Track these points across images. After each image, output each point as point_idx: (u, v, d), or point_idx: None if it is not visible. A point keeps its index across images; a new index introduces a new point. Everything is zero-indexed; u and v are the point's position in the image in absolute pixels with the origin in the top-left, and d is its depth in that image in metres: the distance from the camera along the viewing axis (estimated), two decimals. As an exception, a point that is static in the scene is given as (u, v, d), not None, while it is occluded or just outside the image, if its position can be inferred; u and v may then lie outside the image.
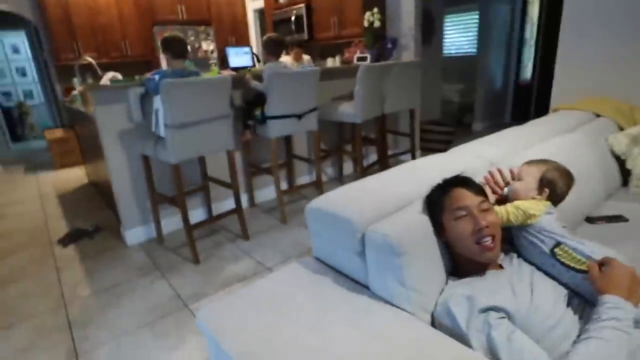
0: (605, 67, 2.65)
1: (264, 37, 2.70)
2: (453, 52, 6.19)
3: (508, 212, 1.07)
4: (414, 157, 3.71)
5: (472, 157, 1.49)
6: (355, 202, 1.11)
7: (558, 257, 0.99)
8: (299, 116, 2.67)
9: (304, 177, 3.50)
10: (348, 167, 3.85)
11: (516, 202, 1.10)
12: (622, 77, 2.60)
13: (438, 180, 1.12)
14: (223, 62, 3.05)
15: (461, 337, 0.87)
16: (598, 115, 2.34)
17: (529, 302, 0.92)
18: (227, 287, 2.08)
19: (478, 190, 1.05)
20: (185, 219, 2.28)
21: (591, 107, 2.40)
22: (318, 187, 3.03)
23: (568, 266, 0.97)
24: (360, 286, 1.08)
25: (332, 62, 4.51)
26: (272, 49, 2.65)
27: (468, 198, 1.01)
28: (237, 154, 3.00)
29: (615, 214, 1.65)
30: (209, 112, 2.18)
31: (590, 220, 1.65)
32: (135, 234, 2.65)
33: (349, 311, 0.97)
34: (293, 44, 4.14)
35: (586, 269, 0.94)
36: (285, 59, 4.19)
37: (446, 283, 1.04)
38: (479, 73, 5.28)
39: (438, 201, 1.05)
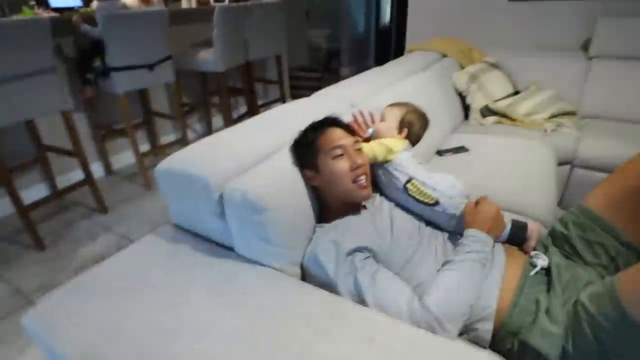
0: (451, 10, 2.87)
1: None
2: (317, -5, 6.09)
3: (374, 148, 1.09)
4: (285, 106, 3.64)
5: (334, 101, 1.46)
6: (210, 158, 0.98)
7: (410, 192, 1.05)
8: (150, 66, 2.32)
9: (168, 136, 3.16)
10: (218, 121, 3.61)
11: (380, 139, 1.13)
12: (463, 20, 2.86)
13: (301, 126, 1.06)
14: (40, 1, 2.43)
15: (330, 285, 0.86)
16: (444, 56, 2.56)
17: (389, 237, 0.96)
18: (84, 269, 1.80)
19: (350, 130, 1.06)
20: (15, 199, 1.86)
21: (438, 47, 2.60)
22: (185, 145, 2.76)
23: (418, 200, 1.04)
24: (225, 249, 0.99)
25: (187, 4, 4.02)
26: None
27: (344, 137, 1.00)
28: (80, 116, 2.53)
29: (459, 146, 1.84)
30: (20, 67, 1.72)
31: (439, 153, 1.82)
32: (-53, 226, 2.08)
33: (210, 279, 0.88)
34: (137, -19, 3.54)
35: (432, 202, 1.01)
36: (131, 0, 3.59)
37: (314, 231, 1.02)
38: (342, 18, 5.33)
39: (312, 142, 1.00)
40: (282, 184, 0.95)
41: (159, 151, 2.83)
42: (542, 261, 0.92)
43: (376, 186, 1.16)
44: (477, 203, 1.01)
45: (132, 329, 0.76)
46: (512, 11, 2.71)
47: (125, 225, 2.15)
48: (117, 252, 1.00)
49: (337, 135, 1.01)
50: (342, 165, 0.97)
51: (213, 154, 0.99)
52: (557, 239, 1.01)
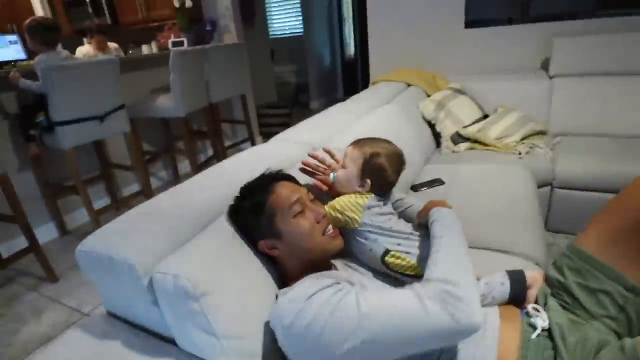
0: (410, 40, 2.86)
1: (27, 22, 2.06)
2: (280, 33, 6.14)
3: (330, 215, 0.92)
4: (253, 145, 3.52)
5: (290, 145, 1.34)
6: (137, 234, 0.82)
7: (392, 267, 0.89)
8: (101, 118, 2.17)
9: (130, 187, 2.97)
10: (185, 166, 3.44)
11: (332, 202, 0.95)
12: (423, 49, 2.84)
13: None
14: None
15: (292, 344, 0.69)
16: (409, 85, 2.50)
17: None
18: (25, 356, 1.56)
19: (297, 181, 0.93)
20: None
21: (402, 77, 2.55)
22: (148, 196, 2.58)
23: (403, 274, 0.88)
24: (164, 343, 0.82)
25: (148, 50, 3.94)
26: (43, 36, 2.05)
27: (296, 190, 0.87)
28: (27, 175, 2.33)
29: (434, 178, 1.73)
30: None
31: (414, 188, 1.71)
32: None
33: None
34: (93, 30, 3.45)
35: (421, 273, 0.85)
36: (86, 48, 3.48)
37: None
38: (307, 52, 5.34)
39: (262, 207, 0.84)
40: (224, 260, 0.80)
41: (121, 204, 2.63)
42: (541, 321, 0.77)
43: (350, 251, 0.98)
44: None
45: None
46: (470, 37, 2.71)
47: (77, 295, 1.92)
48: (66, 328, 0.81)
49: (291, 189, 0.87)
50: (306, 221, 0.83)
51: (142, 229, 0.83)
52: (554, 288, 0.87)
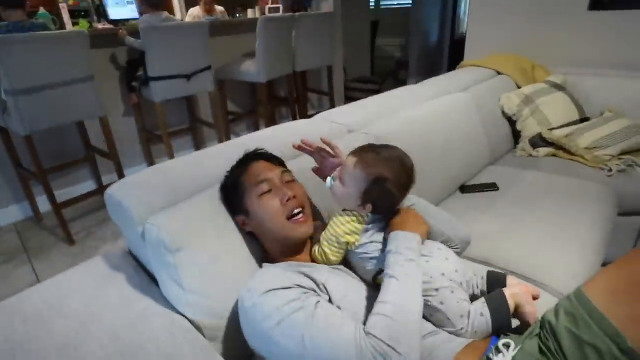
0: (516, 23, 2.52)
1: (138, -17, 2.33)
2: (389, 4, 5.90)
3: (322, 253, 0.85)
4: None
5: (325, 124, 1.33)
6: (146, 187, 0.92)
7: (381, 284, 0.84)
8: (188, 76, 2.39)
9: (213, 142, 3.25)
10: (267, 130, 3.63)
11: (322, 240, 0.85)
12: (531, 33, 2.49)
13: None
14: (100, 13, 2.65)
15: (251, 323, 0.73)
16: (499, 73, 2.24)
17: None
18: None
19: (279, 161, 0.94)
20: (50, 195, 2.02)
21: (494, 63, 2.29)
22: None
23: None
24: (154, 286, 0.92)
25: (252, 14, 4.14)
26: (150, -3, 2.30)
27: (268, 170, 0.88)
28: (129, 120, 2.70)
29: (488, 182, 1.58)
30: (60, 75, 1.86)
31: (463, 189, 1.57)
32: (5, 213, 2.35)
33: (120, 318, 0.81)
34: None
35: None
36: (196, 10, 3.79)
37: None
38: (413, 27, 5.07)
39: (237, 182, 0.88)
40: (208, 223, 0.86)
41: (203, 157, 2.91)
42: (501, 357, 0.69)
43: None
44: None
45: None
46: (593, 20, 2.27)
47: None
48: (98, 254, 1.01)
49: (261, 167, 0.88)
50: (271, 201, 0.84)
51: (150, 183, 0.93)
52: (543, 329, 0.76)
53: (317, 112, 3.61)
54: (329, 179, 0.88)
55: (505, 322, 0.78)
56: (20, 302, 0.89)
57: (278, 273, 0.78)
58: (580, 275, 1.12)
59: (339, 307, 0.74)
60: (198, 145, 3.12)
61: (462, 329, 0.78)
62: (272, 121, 3.10)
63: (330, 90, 3.45)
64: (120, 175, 2.30)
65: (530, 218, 1.33)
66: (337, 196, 0.86)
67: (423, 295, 0.73)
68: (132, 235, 0.93)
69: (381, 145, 0.87)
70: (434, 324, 0.80)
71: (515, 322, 0.83)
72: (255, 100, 3.39)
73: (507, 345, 0.72)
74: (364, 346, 0.62)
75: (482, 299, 0.80)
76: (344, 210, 0.86)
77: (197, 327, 0.81)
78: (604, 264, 1.26)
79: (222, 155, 1.08)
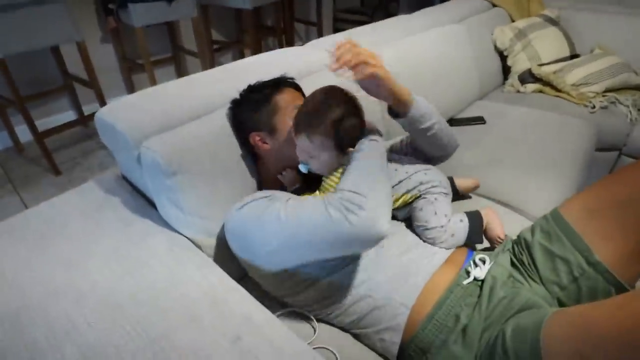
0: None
1: None
2: None
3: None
4: (321, 51, 3.42)
5: (318, 52, 1.29)
6: (140, 111, 0.91)
7: None
8: (168, 0, 2.24)
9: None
10: (253, 62, 3.50)
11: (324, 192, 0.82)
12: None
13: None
14: None
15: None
16: (495, 5, 2.17)
17: None
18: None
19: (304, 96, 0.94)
20: (31, 124, 1.97)
21: (490, -6, 2.21)
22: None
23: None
24: (151, 208, 0.95)
25: None
26: None
27: (301, 100, 0.89)
28: (107, 47, 2.56)
29: (476, 116, 1.60)
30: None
31: (451, 122, 1.60)
32: (-17, 143, 2.29)
33: (119, 240, 0.84)
34: None
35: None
36: None
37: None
38: (407, -48, 4.74)
39: (269, 99, 0.88)
40: (205, 147, 0.87)
41: (187, 88, 2.82)
42: (478, 270, 0.77)
43: None
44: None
45: (23, 279, 0.75)
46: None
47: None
48: (91, 179, 1.02)
49: (296, 96, 0.91)
50: None
51: (146, 107, 0.91)
52: (519, 245, 0.84)
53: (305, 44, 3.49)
54: (301, 166, 0.84)
55: (478, 233, 0.87)
56: (18, 223, 0.91)
57: (253, 195, 0.80)
58: (557, 203, 1.20)
59: None
60: (181, 75, 2.99)
61: (442, 227, 0.85)
62: (257, 51, 2.98)
63: (318, 21, 3.30)
64: (103, 104, 2.23)
65: (515, 151, 1.38)
66: (322, 170, 0.82)
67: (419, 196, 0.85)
68: (127, 159, 0.94)
69: (304, 104, 0.82)
70: (414, 233, 0.88)
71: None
72: (241, 29, 3.22)
73: (482, 260, 0.80)
74: (332, 199, 0.66)
75: (462, 212, 0.88)
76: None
77: (197, 246, 0.85)
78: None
79: (214, 80, 1.06)
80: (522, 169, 1.29)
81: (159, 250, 0.82)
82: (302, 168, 0.83)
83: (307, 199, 0.70)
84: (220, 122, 0.92)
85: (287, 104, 0.87)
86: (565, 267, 0.75)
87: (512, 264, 0.82)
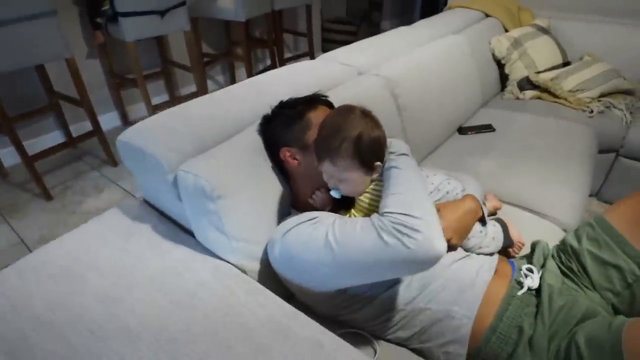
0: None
1: None
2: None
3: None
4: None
5: (335, 66, 1.29)
6: (168, 132, 0.87)
7: None
8: (161, 13, 2.18)
9: (189, 87, 3.07)
10: (243, 73, 3.46)
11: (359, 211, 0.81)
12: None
13: (286, 97, 0.92)
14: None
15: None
16: (488, 15, 2.23)
17: None
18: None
19: None
20: (19, 147, 1.86)
21: (482, 5, 2.27)
22: (202, 99, 2.67)
23: None
24: (186, 234, 0.91)
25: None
26: None
27: None
28: (94, 63, 2.47)
29: (485, 124, 1.63)
30: (18, 9, 1.64)
31: (461, 130, 1.62)
32: (-35, 167, 2.15)
33: (159, 270, 0.80)
34: None
35: None
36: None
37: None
38: (386, -36, 4.84)
39: (302, 115, 0.85)
40: (244, 168, 0.84)
41: (177, 103, 2.74)
42: (530, 280, 0.76)
43: None
44: None
45: (60, 320, 0.70)
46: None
47: (132, 181, 2.13)
48: (115, 206, 0.96)
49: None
50: None
51: (173, 128, 0.88)
52: (565, 253, 0.85)
53: (295, 55, 3.49)
54: (333, 192, 0.80)
55: (507, 236, 0.90)
56: (41, 258, 0.85)
57: (294, 217, 0.78)
58: (576, 205, 1.23)
59: None
60: (172, 90, 2.94)
61: (481, 231, 0.86)
62: (249, 63, 2.95)
63: (309, 31, 3.30)
64: (95, 124, 2.14)
65: (528, 157, 1.41)
66: (354, 191, 0.80)
67: None
68: (157, 184, 0.89)
69: (320, 129, 0.79)
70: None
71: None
72: (230, 41, 3.19)
73: (530, 270, 0.80)
74: (383, 224, 0.64)
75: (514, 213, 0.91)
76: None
77: (242, 271, 0.82)
78: (590, 195, 1.37)
79: (237, 97, 1.03)
80: (537, 174, 1.32)
81: (204, 278, 0.78)
82: (335, 194, 0.80)
83: (354, 222, 0.69)
84: (254, 140, 0.90)
85: (319, 121, 0.84)
86: (618, 274, 0.76)
87: (562, 271, 0.82)
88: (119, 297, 0.74)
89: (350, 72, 1.29)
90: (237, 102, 0.99)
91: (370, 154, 0.75)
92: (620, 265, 0.76)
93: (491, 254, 0.87)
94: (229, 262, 0.82)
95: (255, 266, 0.84)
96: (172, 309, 0.71)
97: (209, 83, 3.16)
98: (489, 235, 0.88)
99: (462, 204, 0.85)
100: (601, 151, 1.72)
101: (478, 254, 0.86)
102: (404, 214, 0.64)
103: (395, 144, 0.80)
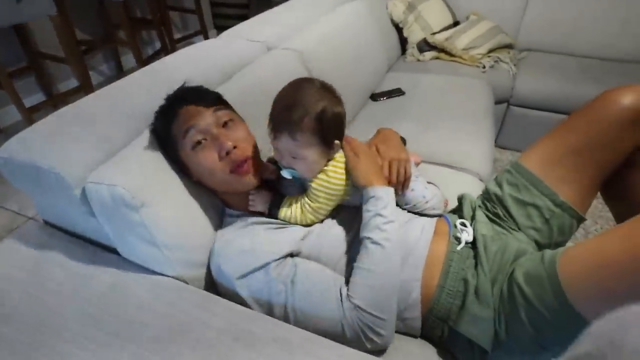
0: None
1: None
2: None
3: (298, 215, 0.78)
4: (206, 39, 3.20)
5: (245, 44, 1.20)
6: (64, 139, 0.73)
7: None
8: (17, -4, 1.82)
9: (68, 82, 2.67)
10: (129, 60, 3.11)
11: (313, 194, 0.77)
12: None
13: (195, 82, 0.82)
14: None
15: (236, 294, 0.72)
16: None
17: (319, 227, 0.80)
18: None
19: (211, 98, 0.77)
20: None
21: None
22: (89, 92, 2.33)
23: None
24: (106, 252, 0.79)
25: None
26: None
27: (198, 115, 0.72)
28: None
29: (394, 88, 1.68)
30: None
31: (373, 97, 1.65)
32: None
33: (88, 298, 0.69)
34: None
35: None
36: None
37: (221, 223, 0.83)
38: None
39: (167, 132, 0.74)
40: (161, 168, 0.75)
41: (58, 101, 2.37)
42: (466, 235, 0.81)
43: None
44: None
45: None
46: None
47: (18, 199, 1.81)
48: (9, 233, 0.77)
49: (189, 114, 0.72)
50: (207, 154, 0.72)
51: (69, 134, 0.74)
52: (490, 201, 0.92)
53: (186, 35, 3.22)
54: (284, 172, 0.75)
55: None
56: None
57: (246, 247, 0.73)
58: (487, 154, 1.35)
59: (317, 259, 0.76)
60: (47, 87, 2.52)
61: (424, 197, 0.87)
62: (137, 48, 2.65)
63: (197, 7, 3.05)
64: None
65: (438, 116, 1.49)
66: (309, 171, 0.75)
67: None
68: (59, 202, 0.76)
69: (278, 100, 0.73)
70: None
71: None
72: (109, 24, 2.81)
73: (463, 224, 0.85)
74: (350, 320, 0.67)
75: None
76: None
77: (183, 282, 0.74)
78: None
79: (139, 87, 0.91)
80: (449, 131, 1.41)
81: (143, 299, 0.69)
82: (286, 174, 0.75)
83: (318, 296, 0.69)
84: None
85: (180, 132, 0.72)
86: (537, 211, 0.85)
87: (490, 219, 0.89)
88: (45, 346, 0.62)
89: (259, 48, 1.21)
90: (142, 93, 0.87)
91: (332, 130, 0.72)
92: (537, 203, 0.85)
93: (439, 215, 0.89)
94: (166, 275, 0.73)
95: (198, 274, 0.77)
96: (113, 343, 0.62)
97: (92, 74, 2.78)
98: (438, 194, 0.89)
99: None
100: (496, 102, 1.90)
101: (422, 213, 0.88)
102: (373, 315, 0.67)
103: (383, 200, 0.73)
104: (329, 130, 0.71)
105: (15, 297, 0.70)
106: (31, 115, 2.09)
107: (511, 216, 0.87)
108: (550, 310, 0.64)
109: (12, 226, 1.66)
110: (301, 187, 0.82)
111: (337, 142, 0.74)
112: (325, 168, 0.76)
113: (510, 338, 0.70)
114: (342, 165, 0.77)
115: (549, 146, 0.86)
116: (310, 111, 0.69)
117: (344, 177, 0.77)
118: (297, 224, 0.78)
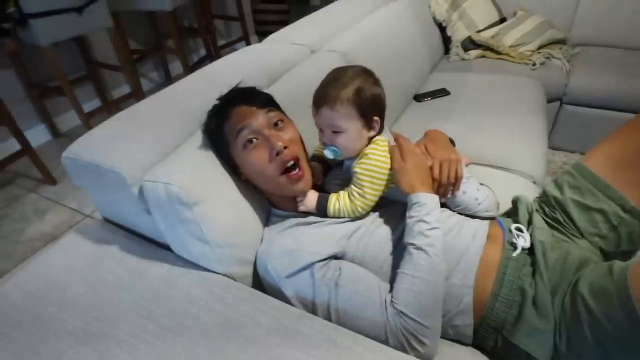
0: None
1: None
2: None
3: (347, 205, 0.78)
4: (248, 45, 3.29)
5: (287, 47, 1.22)
6: (123, 141, 0.77)
7: None
8: (79, 9, 1.96)
9: (121, 89, 2.83)
10: (177, 67, 3.25)
11: (360, 181, 0.77)
12: None
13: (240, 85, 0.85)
14: None
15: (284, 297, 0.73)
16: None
17: (365, 226, 0.79)
18: (32, 253, 1.63)
19: (263, 99, 0.78)
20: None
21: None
22: (140, 98, 2.47)
23: None
24: (160, 250, 0.82)
25: None
26: None
27: (250, 116, 0.73)
28: (8, 74, 2.19)
29: (439, 88, 1.64)
30: None
31: (417, 98, 1.62)
32: None
33: (141, 297, 0.72)
34: None
35: None
36: None
37: (267, 223, 0.85)
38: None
39: (219, 132, 0.76)
40: (213, 167, 0.77)
41: (112, 107, 2.53)
42: (523, 241, 0.77)
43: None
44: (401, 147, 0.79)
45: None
46: None
47: (77, 197, 1.94)
48: (69, 228, 0.83)
49: (241, 114, 0.74)
50: (259, 155, 0.72)
51: (127, 136, 0.78)
52: (549, 205, 0.86)
53: (230, 42, 3.32)
54: (327, 151, 0.78)
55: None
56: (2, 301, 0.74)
57: (292, 247, 0.74)
58: (539, 155, 1.28)
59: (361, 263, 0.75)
60: (103, 93, 2.69)
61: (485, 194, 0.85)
62: (184, 56, 2.77)
63: (240, 15, 3.14)
64: (23, 142, 1.91)
65: (486, 115, 1.44)
66: (350, 147, 0.77)
67: None
68: (118, 199, 0.80)
69: (322, 82, 0.77)
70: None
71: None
72: (158, 34, 2.96)
73: (519, 229, 0.80)
74: (394, 326, 0.66)
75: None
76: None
77: (233, 280, 0.76)
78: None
79: (191, 90, 0.95)
80: (499, 131, 1.35)
81: (194, 295, 0.71)
82: (329, 153, 0.77)
83: (361, 296, 0.69)
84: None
85: (232, 132, 0.74)
86: (603, 217, 0.79)
87: (548, 224, 0.84)
88: (103, 333, 0.66)
89: (303, 52, 1.23)
90: (193, 96, 0.91)
91: (371, 106, 0.74)
92: (604, 208, 0.78)
93: (492, 218, 0.86)
94: (216, 272, 0.76)
95: (246, 271, 0.79)
96: (166, 335, 0.65)
97: (143, 81, 2.93)
98: (491, 196, 0.86)
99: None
100: (547, 100, 1.81)
101: (475, 215, 0.85)
102: (417, 322, 0.65)
103: (427, 206, 0.72)
104: (368, 105, 0.74)
105: (76, 287, 0.75)
106: (89, 120, 2.23)
107: (573, 222, 0.82)
108: (618, 327, 0.59)
109: (71, 222, 1.78)
110: (346, 184, 0.82)
111: (376, 118, 0.76)
112: (367, 152, 0.77)
113: (571, 354, 0.66)
114: (385, 149, 0.78)
115: (616, 147, 0.80)
116: (348, 84, 0.73)
117: (387, 161, 0.77)
118: (347, 216, 0.78)
